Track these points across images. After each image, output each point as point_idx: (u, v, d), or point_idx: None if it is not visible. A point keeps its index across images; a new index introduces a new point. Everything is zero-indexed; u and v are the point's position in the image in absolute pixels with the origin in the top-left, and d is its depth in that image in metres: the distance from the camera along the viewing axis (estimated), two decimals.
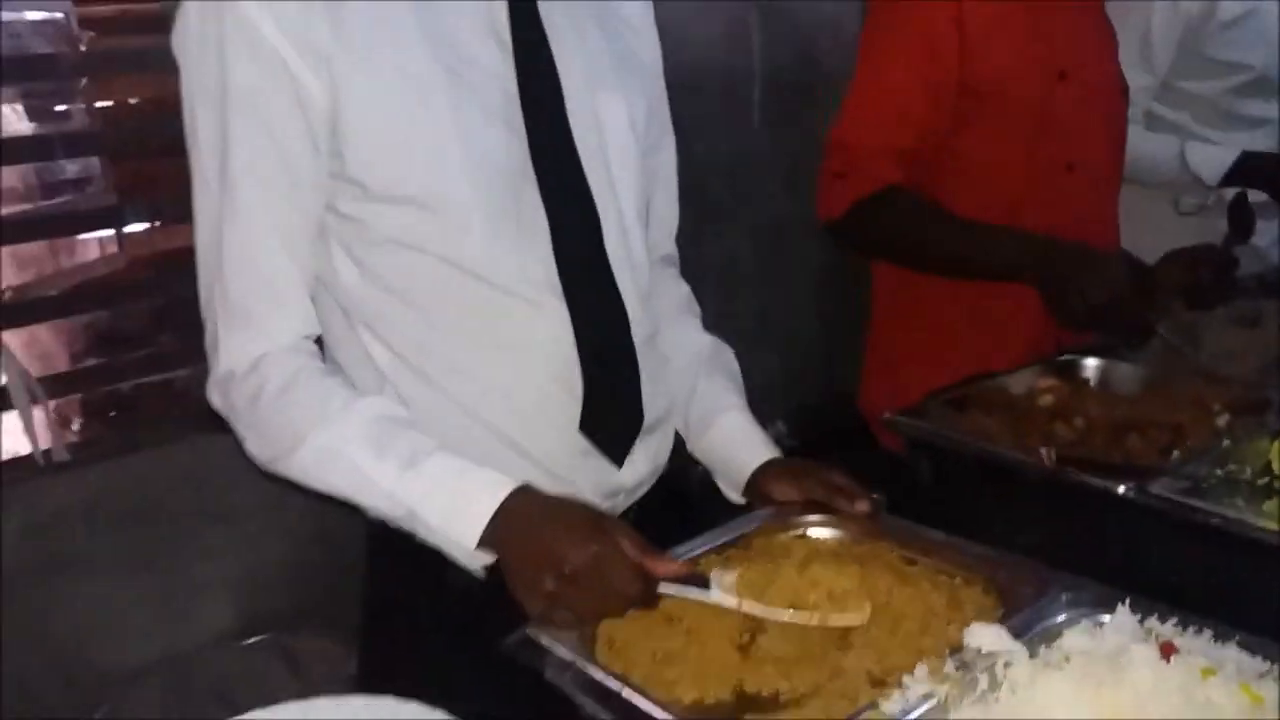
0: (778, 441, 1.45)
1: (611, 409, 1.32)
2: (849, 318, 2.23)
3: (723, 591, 1.12)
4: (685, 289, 1.58)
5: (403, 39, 1.18)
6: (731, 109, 1.74)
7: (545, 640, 1.10)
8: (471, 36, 1.22)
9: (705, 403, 1.48)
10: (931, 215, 1.78)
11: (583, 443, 1.31)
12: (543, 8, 1.26)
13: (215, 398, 1.24)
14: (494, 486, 1.15)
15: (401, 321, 1.25)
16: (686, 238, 1.58)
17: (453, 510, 1.14)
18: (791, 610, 1.11)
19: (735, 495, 1.45)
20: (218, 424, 1.28)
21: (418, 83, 1.18)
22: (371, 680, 1.39)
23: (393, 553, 1.27)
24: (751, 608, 1.11)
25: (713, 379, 1.49)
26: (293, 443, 1.18)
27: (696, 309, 1.58)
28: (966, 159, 1.80)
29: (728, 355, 1.55)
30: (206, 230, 1.20)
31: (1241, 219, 1.78)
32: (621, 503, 1.39)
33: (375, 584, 1.42)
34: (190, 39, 1.16)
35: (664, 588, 1.12)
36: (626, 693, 1.02)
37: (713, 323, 1.58)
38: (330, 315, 1.28)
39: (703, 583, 1.14)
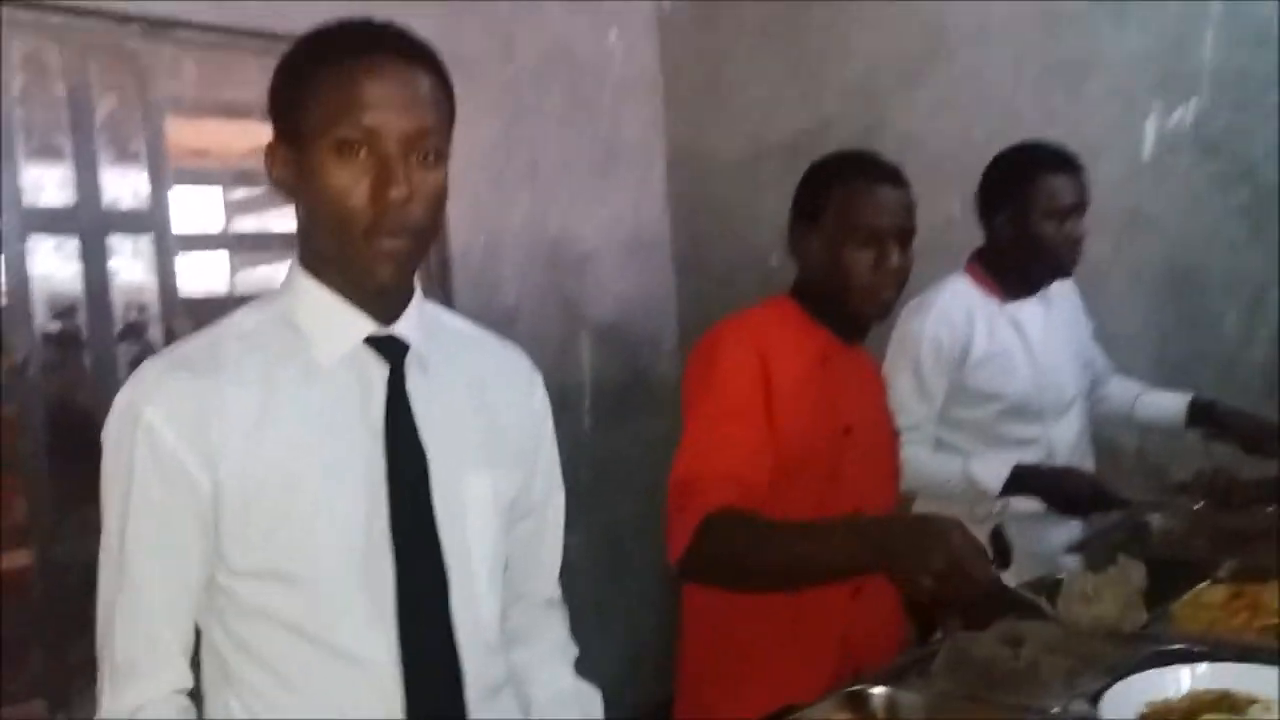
0: None
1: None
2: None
3: None
4: (563, 631, 1.71)
5: (280, 431, 1.36)
6: (563, 416, 1.92)
7: None
8: (346, 422, 1.40)
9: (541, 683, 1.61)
10: (764, 527, 1.84)
11: None
12: (416, 394, 1.44)
13: None
14: None
15: (254, 680, 1.38)
16: None
17: None
18: None
19: None
20: None
21: (288, 471, 1.36)
22: None
23: None
24: None
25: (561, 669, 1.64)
26: None
27: (572, 653, 1.70)
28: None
29: (593, 701, 1.67)
30: (106, 586, 1.35)
31: (1000, 549, 2.04)
32: None
33: None
34: (110, 431, 1.35)
35: None
36: None
37: None
38: (205, 667, 1.42)
39: None
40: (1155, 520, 2.64)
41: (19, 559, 2.66)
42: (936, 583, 1.59)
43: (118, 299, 2.95)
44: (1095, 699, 1.72)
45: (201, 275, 3.12)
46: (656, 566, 2.90)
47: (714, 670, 2.08)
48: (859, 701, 1.78)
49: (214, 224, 3.25)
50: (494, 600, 1.52)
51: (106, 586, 1.35)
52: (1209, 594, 2.08)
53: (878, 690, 1.80)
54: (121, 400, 1.35)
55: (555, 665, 1.68)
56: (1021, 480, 2.63)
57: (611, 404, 3.89)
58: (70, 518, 2.71)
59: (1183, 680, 1.66)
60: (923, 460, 2.70)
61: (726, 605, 2.03)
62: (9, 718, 2.54)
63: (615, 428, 3.90)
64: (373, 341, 1.42)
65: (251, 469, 1.34)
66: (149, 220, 2.98)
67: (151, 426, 1.31)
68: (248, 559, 1.35)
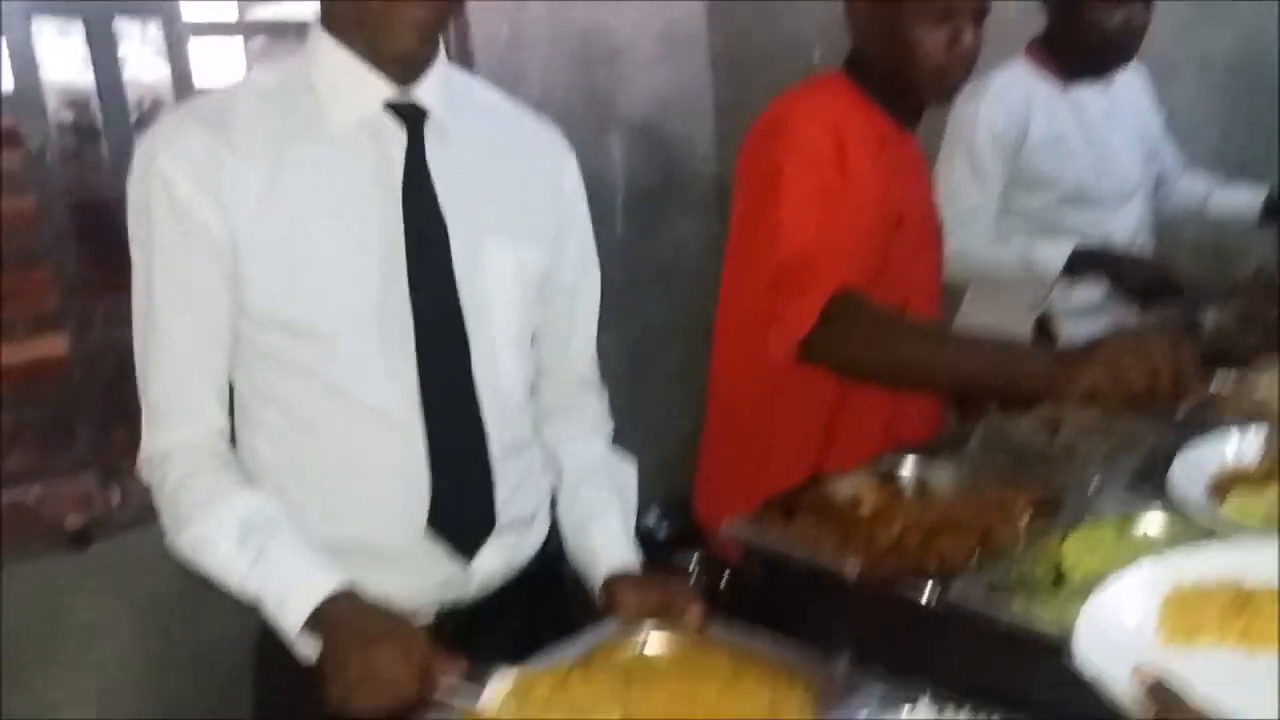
0: (651, 533, 1.58)
1: (460, 511, 1.47)
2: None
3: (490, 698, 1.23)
4: (599, 407, 1.73)
5: (293, 188, 1.36)
6: (596, 219, 1.83)
7: None
8: (361, 184, 1.39)
9: (583, 510, 1.60)
10: (906, 323, 1.79)
11: (431, 536, 1.46)
12: (435, 161, 1.43)
13: (142, 473, 1.46)
14: (316, 588, 1.29)
15: (278, 425, 1.43)
16: None
17: (283, 603, 1.29)
18: None
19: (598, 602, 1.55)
20: (72, 542, 1.49)
21: (302, 225, 1.36)
22: None
23: (280, 661, 1.36)
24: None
25: (599, 489, 1.62)
26: (179, 528, 1.37)
27: (607, 426, 1.73)
28: None
29: (624, 471, 1.67)
30: (139, 339, 1.41)
31: (1046, 335, 1.95)
32: (473, 593, 1.52)
33: (261, 696, 1.55)
34: (132, 180, 1.37)
35: (443, 689, 1.23)
36: None
37: None
38: (237, 414, 1.46)
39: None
40: (1209, 316, 2.54)
41: (56, 346, 2.71)
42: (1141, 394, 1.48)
43: (130, 89, 2.85)
44: (1139, 475, 1.67)
45: (216, 64, 2.99)
46: (687, 370, 2.87)
47: (741, 452, 2.04)
48: (888, 475, 1.74)
49: (227, 11, 3.10)
50: (516, 369, 1.52)
51: (139, 337, 1.41)
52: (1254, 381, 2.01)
53: (907, 463, 1.75)
54: (141, 150, 1.37)
55: (587, 437, 1.68)
56: (1083, 261, 2.54)
57: (644, 206, 3.77)
58: (100, 304, 2.72)
59: (1248, 445, 1.65)
60: (979, 248, 2.63)
61: (762, 403, 1.99)
62: (64, 492, 2.64)
63: (648, 230, 3.79)
64: (393, 108, 1.39)
65: (265, 221, 1.34)
66: (156, 4, 2.85)
67: (165, 174, 1.32)
68: (265, 309, 1.36)
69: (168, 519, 1.39)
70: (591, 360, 1.71)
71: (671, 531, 2.21)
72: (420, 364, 1.41)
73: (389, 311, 1.39)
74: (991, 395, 1.82)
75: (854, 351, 1.73)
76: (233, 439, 1.46)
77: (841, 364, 1.78)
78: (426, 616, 1.49)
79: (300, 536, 1.37)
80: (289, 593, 1.29)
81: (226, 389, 1.43)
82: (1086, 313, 2.57)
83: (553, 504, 1.65)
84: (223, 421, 1.44)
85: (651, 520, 2.18)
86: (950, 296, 2.61)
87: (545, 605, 1.62)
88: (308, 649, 1.28)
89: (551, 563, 1.64)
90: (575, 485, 1.63)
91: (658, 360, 3.70)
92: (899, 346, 1.72)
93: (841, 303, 1.70)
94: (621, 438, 1.74)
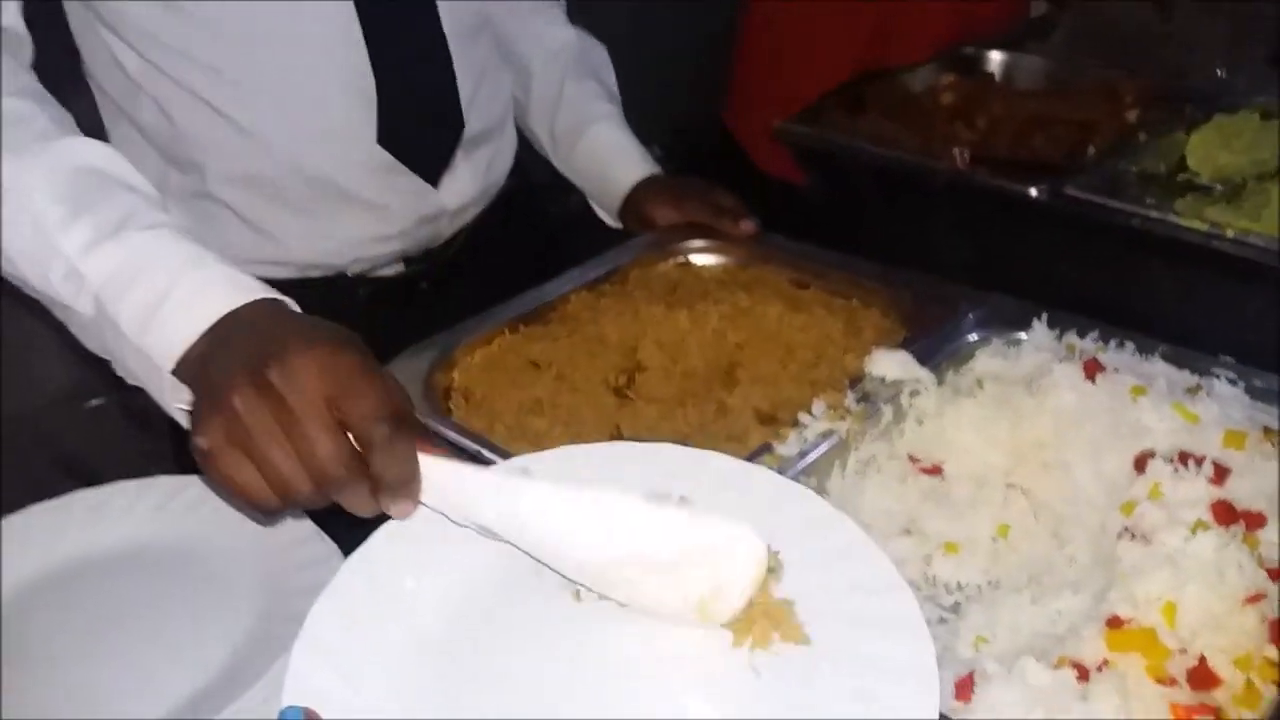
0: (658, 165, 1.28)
1: (417, 117, 1.12)
2: (727, 35, 2.00)
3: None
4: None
5: None
6: None
7: None
8: None
9: (573, 111, 1.29)
10: None
11: (388, 158, 1.10)
12: None
13: None
14: (236, 288, 0.74)
15: (154, 21, 1.02)
16: None
17: (158, 306, 0.74)
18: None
19: (611, 219, 1.29)
20: None
21: None
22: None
23: None
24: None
25: (582, 83, 1.30)
26: None
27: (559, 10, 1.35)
28: None
29: (598, 54, 1.34)
30: None
31: None
32: (446, 227, 1.21)
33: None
34: None
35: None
36: (486, 452, 0.88)
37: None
38: (73, 19, 1.06)
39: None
40: None
41: None
42: None
43: None
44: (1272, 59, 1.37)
45: None
46: None
47: (787, 49, 1.71)
48: (971, 65, 1.43)
49: None
50: None
51: None
52: None
53: (995, 53, 1.44)
54: None
55: (544, 11, 1.33)
56: None
57: None
58: None
59: None
60: None
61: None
62: None
63: None
64: None
65: None
66: None
67: None
68: None
69: None
70: None
71: (676, 163, 1.93)
72: None
73: None
74: None
75: None
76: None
77: None
78: (396, 267, 1.20)
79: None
80: (178, 289, 0.74)
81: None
82: None
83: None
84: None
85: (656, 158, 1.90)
86: None
87: (530, 239, 1.33)
88: (176, 399, 0.75)
89: (528, 187, 1.33)
90: (550, 80, 1.29)
91: None
92: None
93: None
94: (622, 59, 1.39)
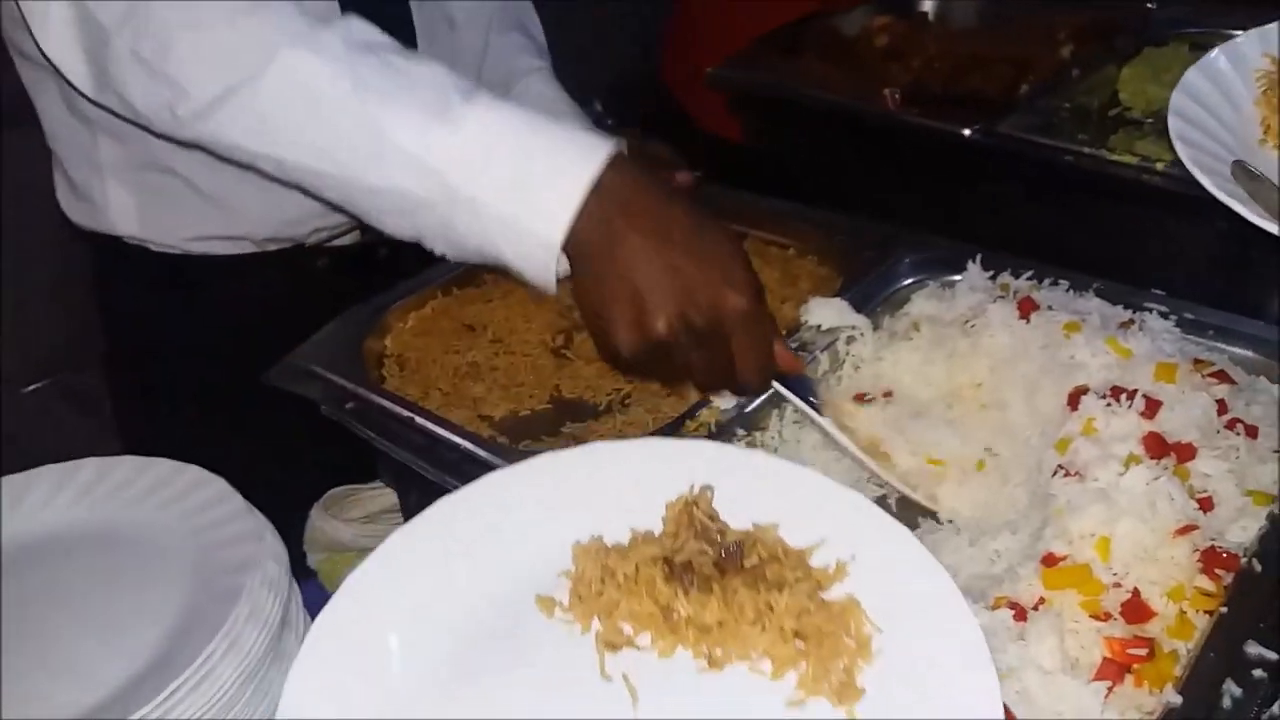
0: (595, 124, 1.24)
1: None
2: None
3: (834, 426, 0.82)
4: None
5: None
6: None
7: (318, 367, 0.93)
8: None
9: (500, 66, 1.24)
10: None
11: None
12: None
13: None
14: (585, 147, 0.75)
15: None
16: None
17: (524, 183, 0.74)
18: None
19: None
20: None
21: None
22: (136, 429, 1.20)
23: (127, 262, 1.05)
24: (852, 448, 0.81)
25: (506, 35, 1.25)
26: (249, 69, 0.78)
27: None
28: None
29: (523, 6, 1.29)
30: None
31: None
32: None
33: (111, 314, 1.20)
34: None
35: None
36: (421, 420, 0.87)
37: None
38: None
39: (806, 388, 0.83)
40: None
41: None
42: None
43: None
44: None
45: None
46: None
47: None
48: (906, 6, 1.42)
49: None
50: None
51: None
52: None
53: None
54: None
55: None
56: None
57: None
58: None
59: None
60: None
61: None
62: None
63: None
64: None
65: None
66: None
67: None
68: None
69: (186, 68, 0.79)
70: None
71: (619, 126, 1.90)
72: None
73: None
74: None
75: None
76: None
77: None
78: (353, 236, 1.15)
79: None
80: (531, 164, 0.75)
81: None
82: None
83: None
84: None
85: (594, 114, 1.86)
86: None
87: None
88: (553, 272, 0.76)
89: None
90: (475, 33, 1.22)
91: None
92: None
93: None
94: (557, 11, 1.35)
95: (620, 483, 0.67)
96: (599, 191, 0.73)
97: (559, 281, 0.76)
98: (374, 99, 0.76)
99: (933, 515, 0.80)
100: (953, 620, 0.58)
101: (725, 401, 0.86)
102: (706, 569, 0.60)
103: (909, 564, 0.61)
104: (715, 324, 0.74)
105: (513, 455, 0.83)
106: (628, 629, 0.60)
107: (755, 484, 0.66)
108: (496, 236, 0.76)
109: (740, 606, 0.58)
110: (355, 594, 0.63)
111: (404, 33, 1.09)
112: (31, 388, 2.41)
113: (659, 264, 0.73)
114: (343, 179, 0.78)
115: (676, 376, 0.80)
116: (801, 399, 0.81)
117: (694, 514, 0.63)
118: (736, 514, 0.64)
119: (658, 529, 0.64)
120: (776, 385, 0.81)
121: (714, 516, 0.63)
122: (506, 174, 0.74)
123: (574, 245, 0.74)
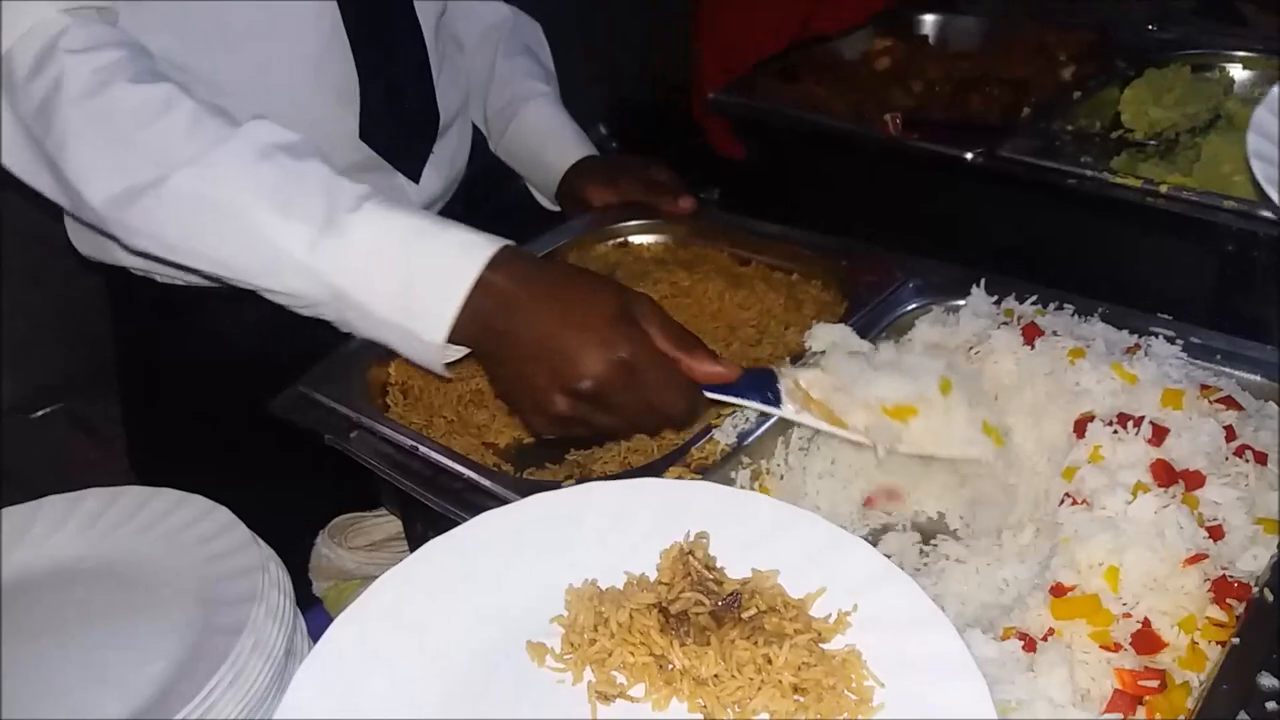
0: (599, 146, 1.25)
1: (397, 111, 1.09)
2: (674, 6, 1.97)
3: (791, 402, 0.81)
4: None
5: None
6: None
7: (322, 395, 0.92)
8: None
9: (506, 90, 1.26)
10: None
11: (369, 155, 1.07)
12: None
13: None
14: (467, 249, 0.78)
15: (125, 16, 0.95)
16: None
17: (407, 290, 0.78)
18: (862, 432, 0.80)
19: (548, 201, 1.26)
20: None
21: None
22: (144, 457, 1.20)
23: (133, 292, 1.06)
24: (816, 423, 0.81)
25: (512, 60, 1.26)
26: (147, 178, 0.81)
27: None
28: None
29: (532, 31, 1.31)
30: None
31: None
32: None
33: (122, 344, 1.20)
34: None
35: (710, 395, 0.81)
36: (424, 449, 0.86)
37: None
38: None
39: (764, 385, 0.81)
40: None
41: None
42: None
43: None
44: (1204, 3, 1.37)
45: None
46: None
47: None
48: (905, 28, 1.42)
49: None
50: None
51: None
52: None
53: (929, 16, 1.44)
54: None
55: None
56: None
57: None
58: None
59: None
60: None
61: None
62: None
63: None
64: None
65: None
66: None
67: None
68: None
69: (98, 165, 0.83)
70: None
71: (622, 142, 1.90)
72: None
73: None
74: None
75: None
76: None
77: None
78: None
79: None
80: (416, 269, 0.78)
81: None
82: None
83: None
84: None
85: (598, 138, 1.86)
86: None
87: (495, 227, 1.28)
88: (445, 358, 0.80)
89: (486, 174, 1.30)
90: (484, 57, 1.26)
91: None
92: None
93: None
94: (564, 35, 1.35)
95: (616, 525, 0.67)
96: (481, 290, 0.77)
97: None
98: (264, 208, 0.80)
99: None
100: (955, 673, 0.57)
101: (724, 434, 0.85)
102: (703, 620, 0.59)
103: (911, 613, 0.60)
104: (610, 385, 0.75)
105: (517, 484, 0.83)
106: (621, 679, 0.60)
107: (754, 528, 0.66)
108: (387, 334, 0.81)
109: (738, 659, 0.58)
110: (339, 643, 0.62)
111: (417, 56, 1.10)
112: (38, 414, 2.41)
113: (542, 349, 0.76)
114: (244, 281, 0.83)
115: (607, 435, 0.83)
116: (758, 398, 0.80)
117: (690, 563, 0.62)
118: (735, 558, 0.63)
119: (653, 573, 0.63)
120: (717, 395, 0.80)
121: (710, 565, 0.63)
122: (392, 281, 0.78)
123: (464, 341, 0.78)
